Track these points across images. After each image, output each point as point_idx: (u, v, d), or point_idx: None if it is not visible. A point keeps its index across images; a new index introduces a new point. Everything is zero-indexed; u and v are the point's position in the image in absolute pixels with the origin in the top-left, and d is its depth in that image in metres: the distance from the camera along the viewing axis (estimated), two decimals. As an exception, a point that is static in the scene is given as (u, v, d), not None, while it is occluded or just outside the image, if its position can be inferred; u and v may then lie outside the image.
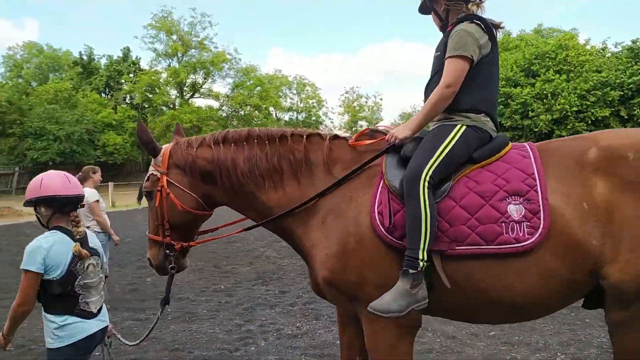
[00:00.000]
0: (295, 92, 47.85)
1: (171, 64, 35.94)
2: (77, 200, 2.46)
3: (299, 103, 47.78)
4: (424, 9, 2.52)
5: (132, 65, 37.17)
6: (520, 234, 2.01)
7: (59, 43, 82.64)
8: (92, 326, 2.40)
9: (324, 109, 48.10)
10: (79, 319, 2.37)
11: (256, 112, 37.74)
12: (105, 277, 2.65)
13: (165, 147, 2.59)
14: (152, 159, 2.59)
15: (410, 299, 2.02)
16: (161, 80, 34.92)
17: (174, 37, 35.20)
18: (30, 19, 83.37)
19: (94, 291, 2.45)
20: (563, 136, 13.29)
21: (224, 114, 37.45)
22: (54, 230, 2.40)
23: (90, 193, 5.89)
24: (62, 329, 2.33)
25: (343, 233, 2.19)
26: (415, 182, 2.07)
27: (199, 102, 38.07)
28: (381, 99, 49.09)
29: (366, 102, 47.42)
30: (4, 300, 6.27)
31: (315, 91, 47.34)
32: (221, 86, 67.30)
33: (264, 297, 6.35)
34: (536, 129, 22.82)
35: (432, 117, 2.29)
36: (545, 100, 23.25)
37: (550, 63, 24.20)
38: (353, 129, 47.70)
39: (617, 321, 2.03)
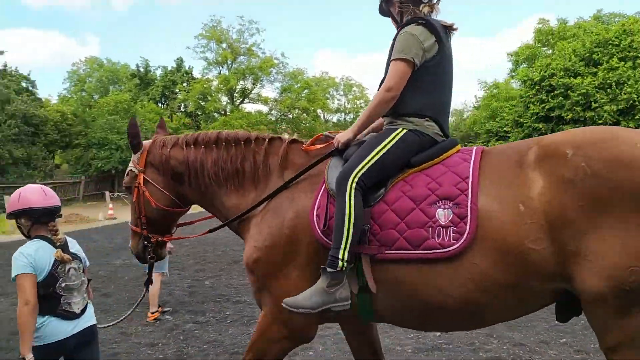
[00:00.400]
0: (342, 93, 47.86)
1: (221, 72, 36.97)
2: (54, 211, 2.60)
3: (346, 104, 47.72)
4: (382, 12, 2.50)
5: (185, 74, 38.54)
6: (446, 239, 1.95)
7: (118, 57, 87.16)
8: (69, 329, 2.51)
9: (372, 109, 47.75)
10: (59, 320, 2.48)
11: (304, 114, 38.05)
12: (89, 280, 2.78)
13: (146, 144, 2.69)
14: (132, 155, 2.72)
15: (327, 297, 2.03)
16: (212, 87, 35.97)
17: (224, 45, 36.19)
18: (91, 34, 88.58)
19: (76, 293, 2.58)
20: (630, 127, 12.37)
21: (273, 118, 38.04)
22: (36, 239, 2.55)
23: None
24: (39, 331, 2.43)
25: (274, 231, 2.26)
26: (344, 183, 2.07)
27: (248, 107, 38.95)
28: (430, 97, 47.83)
29: (415, 101, 46.65)
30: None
31: (362, 91, 47.10)
32: (270, 91, 68.43)
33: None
34: (600, 121, 21.47)
35: (372, 120, 2.29)
36: (609, 90, 21.83)
37: (613, 50, 22.69)
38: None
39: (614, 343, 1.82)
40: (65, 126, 28.33)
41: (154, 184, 2.61)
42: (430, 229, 1.99)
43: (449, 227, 1.96)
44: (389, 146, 2.16)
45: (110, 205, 20.44)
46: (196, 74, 38.99)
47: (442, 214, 1.99)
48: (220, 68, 37.48)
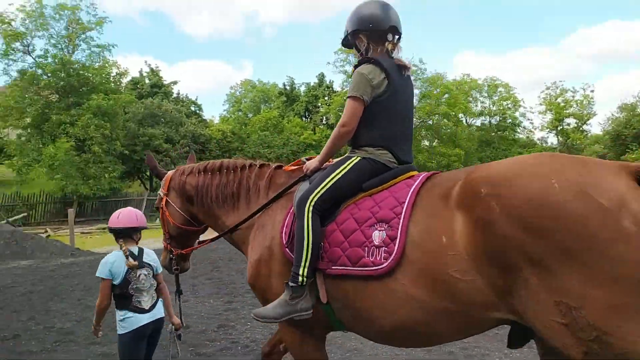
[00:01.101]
0: (486, 95, 45.11)
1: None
2: (140, 229, 3.27)
3: (491, 106, 44.83)
4: (347, 44, 2.68)
5: (326, 89, 40.39)
6: (377, 258, 2.09)
7: (268, 77, 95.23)
8: (143, 319, 3.12)
9: (521, 109, 44.04)
10: (133, 314, 3.10)
11: (445, 120, 36.78)
12: (158, 284, 3.32)
13: (168, 173, 3.16)
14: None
15: (289, 308, 2.25)
16: (352, 99, 37.02)
17: (361, 57, 37.07)
18: (246, 60, 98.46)
19: (145, 293, 3.17)
20: None
21: (413, 125, 37.57)
22: (117, 251, 3.19)
23: None
24: (123, 321, 3.11)
25: (261, 246, 2.54)
26: (302, 206, 2.30)
27: (387, 116, 39.07)
28: (592, 91, 42.28)
29: (573, 97, 41.67)
30: (236, 299, 7.26)
31: (509, 91, 43.81)
32: (408, 98, 67.54)
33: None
34: None
35: (333, 152, 2.55)
36: None
37: None
38: (558, 128, 42.43)
39: None
40: (225, 143, 31.80)
41: (173, 205, 3.06)
42: (366, 248, 2.15)
43: (381, 247, 2.10)
44: (342, 173, 2.38)
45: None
46: (336, 87, 40.54)
47: (377, 235, 2.14)
48: (359, 79, 38.37)
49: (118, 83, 28.83)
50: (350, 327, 2.35)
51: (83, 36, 26.52)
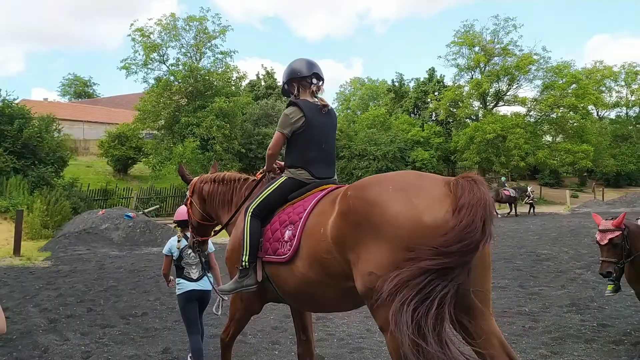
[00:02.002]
0: (623, 83, 40.02)
1: (473, 76, 35.94)
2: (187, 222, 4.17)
3: (629, 96, 39.65)
4: (285, 93, 3.44)
5: (436, 84, 39.12)
6: (285, 250, 2.87)
7: (377, 75, 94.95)
8: (191, 286, 4.26)
9: (668, 98, 38.27)
10: (184, 281, 4.28)
11: (571, 113, 33.34)
12: (206, 260, 4.32)
13: (193, 180, 3.98)
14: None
15: (238, 284, 3.08)
16: (464, 93, 35.34)
17: (476, 49, 35.09)
18: (356, 57, 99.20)
19: (194, 267, 4.30)
20: None
21: (532, 120, 34.66)
22: (176, 236, 4.44)
23: None
24: (179, 285, 4.30)
25: (233, 238, 3.33)
26: (247, 212, 3.12)
27: (503, 109, 36.62)
28: None
29: None
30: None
31: (652, 78, 38.34)
32: (528, 90, 62.72)
33: (578, 329, 5.48)
34: None
35: (269, 169, 3.44)
36: None
37: None
38: None
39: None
40: (333, 141, 32.58)
41: (195, 204, 3.87)
42: (281, 242, 2.92)
43: (288, 242, 2.88)
44: (273, 188, 3.18)
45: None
46: (447, 81, 39.05)
47: (287, 234, 2.91)
48: (473, 73, 36.48)
49: (238, 86, 31.08)
50: (283, 298, 3.16)
51: (209, 44, 29.10)
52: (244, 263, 3.01)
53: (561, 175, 37.39)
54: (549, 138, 37.08)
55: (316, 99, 3.24)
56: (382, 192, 2.39)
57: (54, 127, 23.19)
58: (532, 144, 31.09)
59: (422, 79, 40.59)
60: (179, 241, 4.36)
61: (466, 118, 35.87)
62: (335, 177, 3.34)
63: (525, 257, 10.52)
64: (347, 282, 2.52)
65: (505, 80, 34.92)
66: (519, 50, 34.41)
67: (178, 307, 4.45)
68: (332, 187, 3.06)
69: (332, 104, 62.23)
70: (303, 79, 3.23)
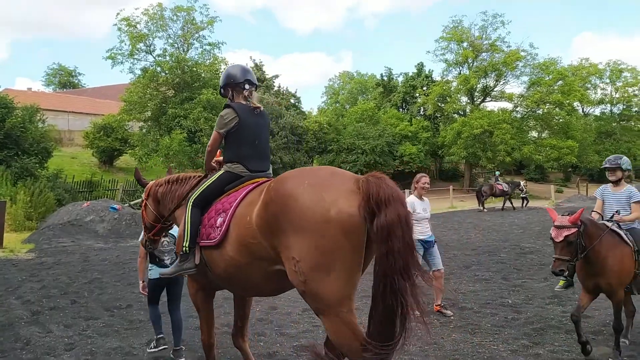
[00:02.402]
0: (608, 81, 40.58)
1: (461, 72, 36.13)
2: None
3: (613, 93, 40.24)
4: (222, 94, 3.74)
5: (425, 78, 39.23)
6: (216, 234, 3.13)
7: (366, 69, 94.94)
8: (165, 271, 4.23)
9: (651, 96, 38.90)
10: (157, 267, 4.48)
11: (557, 109, 33.72)
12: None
13: (150, 184, 4.15)
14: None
15: (178, 268, 3.35)
16: (452, 89, 35.52)
17: (465, 44, 35.27)
18: (345, 51, 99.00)
19: (167, 254, 4.54)
20: None
21: (519, 115, 34.99)
22: None
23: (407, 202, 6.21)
24: (151, 271, 4.58)
25: (180, 227, 3.58)
26: (188, 202, 3.41)
27: (490, 105, 36.92)
28: None
29: None
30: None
31: (636, 76, 38.95)
32: (515, 86, 63.19)
33: (559, 320, 5.58)
34: None
35: (209, 165, 3.71)
36: None
37: None
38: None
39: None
40: (321, 134, 32.50)
41: (149, 207, 4.06)
42: (214, 228, 3.18)
43: (219, 227, 3.14)
44: (212, 180, 3.47)
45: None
46: (436, 76, 39.22)
47: (219, 220, 3.17)
48: (461, 68, 36.68)
49: (225, 78, 30.77)
50: (224, 284, 3.41)
51: (196, 35, 28.73)
52: (184, 248, 3.31)
53: (546, 171, 37.94)
54: (534, 134, 37.51)
55: (249, 102, 3.58)
56: (297, 186, 2.70)
57: (38, 118, 22.78)
58: (518, 140, 31.43)
59: (410, 74, 40.69)
60: None
61: (454, 113, 36.10)
62: (270, 170, 3.67)
63: (509, 251, 10.66)
64: (272, 266, 2.87)
65: (492, 76, 35.19)
66: (507, 47, 34.71)
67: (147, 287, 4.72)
68: (264, 180, 3.38)
69: (321, 97, 61.95)
70: (237, 84, 3.58)
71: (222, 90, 3.70)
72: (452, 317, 5.85)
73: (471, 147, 31.69)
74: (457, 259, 9.82)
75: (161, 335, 4.69)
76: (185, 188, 3.80)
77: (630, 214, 4.63)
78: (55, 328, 5.50)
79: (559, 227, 4.22)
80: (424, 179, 6.22)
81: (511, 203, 21.83)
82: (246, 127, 3.46)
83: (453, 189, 28.69)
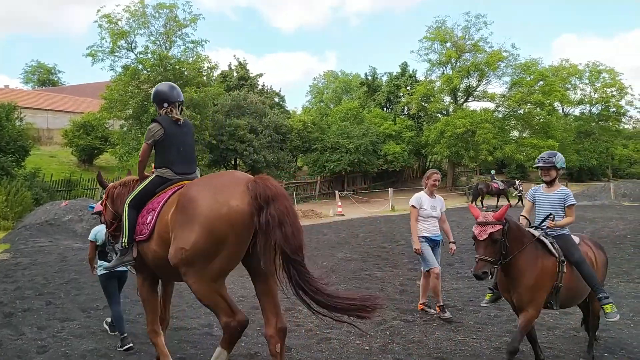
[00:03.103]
0: (587, 81, 41.29)
1: (445, 72, 36.38)
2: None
3: (592, 94, 40.99)
4: (156, 107, 4.25)
5: (409, 78, 39.37)
6: (145, 230, 3.70)
7: (351, 68, 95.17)
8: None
9: (628, 97, 39.76)
10: (107, 263, 4.61)
11: (538, 109, 34.18)
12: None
13: (109, 186, 4.50)
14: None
15: (118, 261, 3.89)
16: (435, 88, 35.72)
17: (448, 44, 35.49)
18: (330, 50, 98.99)
19: (113, 253, 4.49)
20: None
21: (501, 115, 35.38)
22: (102, 225, 4.76)
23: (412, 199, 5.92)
24: (101, 267, 4.91)
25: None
26: (125, 204, 3.94)
27: (473, 105, 37.24)
28: None
29: (693, 82, 36.69)
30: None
31: (614, 78, 39.72)
32: (497, 86, 64.04)
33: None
34: None
35: (141, 176, 4.16)
36: None
37: None
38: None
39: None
40: (305, 133, 32.34)
41: (108, 206, 4.36)
42: (145, 225, 3.72)
43: (148, 224, 3.68)
44: (144, 184, 3.99)
45: (339, 203, 22.36)
46: (419, 76, 39.39)
47: (149, 218, 3.70)
48: (444, 68, 36.90)
49: (209, 76, 30.47)
50: (161, 274, 3.93)
51: (179, 33, 28.29)
52: (123, 244, 3.82)
53: (527, 170, 38.42)
54: (516, 133, 37.94)
55: (173, 115, 4.08)
56: (199, 190, 3.35)
57: (16, 116, 22.20)
58: (499, 139, 31.76)
59: (394, 73, 40.79)
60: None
61: (437, 113, 36.32)
62: (197, 173, 4.22)
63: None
64: None
65: (475, 76, 35.49)
66: (489, 47, 35.02)
67: (100, 284, 5.13)
68: (187, 183, 3.80)
69: (306, 97, 61.87)
70: (162, 100, 4.13)
71: (156, 105, 4.25)
72: (434, 316, 5.83)
73: (454, 146, 31.91)
74: (440, 256, 9.82)
75: (125, 335, 4.81)
76: (129, 190, 4.23)
77: (564, 218, 4.21)
78: (28, 330, 5.32)
79: (482, 224, 3.80)
80: (435, 176, 5.96)
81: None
82: (171, 136, 3.99)
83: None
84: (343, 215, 20.84)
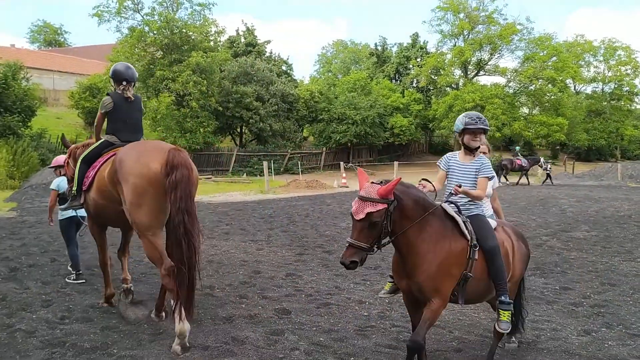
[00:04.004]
0: (601, 59, 40.38)
1: (456, 44, 35.64)
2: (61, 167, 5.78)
3: (606, 72, 40.14)
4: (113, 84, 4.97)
5: (419, 50, 38.63)
6: (87, 182, 4.57)
7: (361, 37, 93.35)
8: (72, 213, 5.53)
9: (643, 75, 38.87)
10: (66, 210, 5.39)
11: (549, 85, 33.57)
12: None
13: (71, 147, 5.33)
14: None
15: (70, 204, 4.81)
16: (446, 61, 35.08)
17: (461, 15, 34.64)
18: (341, 18, 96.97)
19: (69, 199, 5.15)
20: None
21: (511, 91, 34.82)
22: (63, 176, 5.65)
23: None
24: (62, 212, 5.67)
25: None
26: (78, 160, 4.76)
27: (483, 79, 36.66)
28: None
29: None
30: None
31: (630, 55, 38.79)
32: (509, 60, 62.77)
33: (541, 291, 5.63)
34: None
35: (97, 137, 4.94)
36: None
37: None
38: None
39: None
40: (312, 103, 32.01)
41: (70, 164, 5.23)
42: (88, 178, 4.53)
43: (89, 178, 4.52)
44: (95, 146, 4.73)
45: (344, 175, 22.34)
46: (430, 48, 38.63)
47: (91, 173, 4.52)
48: (456, 40, 36.15)
49: (216, 41, 30.01)
50: (109, 223, 4.89)
51: (186, -6, 27.73)
52: (73, 191, 4.75)
53: (534, 148, 38.07)
54: (525, 110, 37.43)
55: (124, 92, 4.73)
56: (128, 154, 4.08)
57: (22, 75, 22.07)
58: (509, 115, 31.35)
59: (405, 44, 40.03)
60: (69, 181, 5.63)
61: (446, 86, 35.77)
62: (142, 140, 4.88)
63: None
64: (120, 206, 4.13)
65: (487, 49, 34.78)
66: (503, 20, 34.19)
67: (60, 229, 5.86)
68: (122, 147, 4.44)
69: (314, 66, 60.82)
70: (117, 79, 4.78)
71: (112, 81, 4.90)
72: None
73: (462, 121, 31.57)
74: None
75: (80, 272, 5.71)
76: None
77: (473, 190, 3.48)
78: (33, 285, 5.41)
79: (363, 199, 3.00)
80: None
81: (527, 178, 21.93)
82: (119, 109, 4.72)
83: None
84: (347, 186, 20.84)
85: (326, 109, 31.73)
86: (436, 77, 34.96)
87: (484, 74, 36.49)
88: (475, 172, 3.50)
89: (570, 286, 5.76)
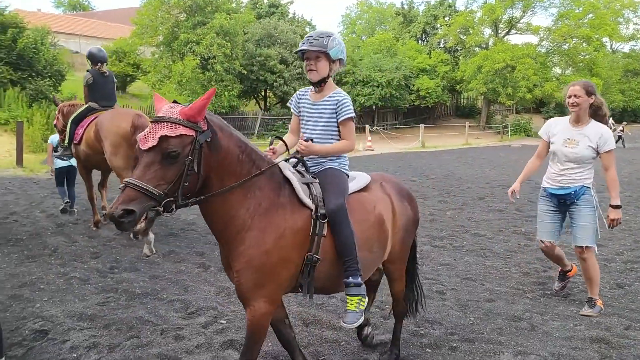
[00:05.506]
0: (642, 15, 38.19)
1: (487, 1, 34.20)
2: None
3: (646, 29, 38.00)
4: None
5: (447, 8, 37.29)
6: (77, 137, 5.97)
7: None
8: (64, 163, 6.88)
9: (686, 33, 36.75)
10: (60, 160, 6.82)
11: (584, 44, 32.13)
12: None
13: (60, 105, 6.60)
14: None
15: (62, 153, 6.49)
16: (475, 19, 33.81)
17: (492, -30, 33.12)
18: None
19: (67, 150, 6.24)
20: None
21: (544, 50, 33.48)
22: (56, 134, 7.01)
23: None
24: (56, 162, 6.89)
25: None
26: (69, 120, 6.13)
27: (514, 39, 35.30)
28: None
29: None
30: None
31: (674, 11, 36.53)
32: (542, 18, 59.95)
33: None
34: None
35: (86, 102, 6.23)
36: None
37: None
38: None
39: None
40: (337, 65, 31.49)
41: (59, 119, 6.46)
42: (77, 134, 5.95)
43: (78, 134, 5.95)
44: (81, 110, 6.09)
45: (369, 138, 22.24)
46: (459, 6, 37.33)
47: (80, 131, 5.90)
48: (487, -3, 34.67)
49: (238, 2, 29.57)
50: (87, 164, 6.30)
51: (207, -47, 27.21)
52: (65, 143, 6.10)
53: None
54: (558, 70, 36.07)
55: (100, 69, 6.15)
56: (105, 117, 5.63)
57: (50, 40, 22.35)
58: (540, 76, 30.28)
59: (433, 3, 38.69)
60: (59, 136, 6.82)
61: (475, 46, 34.63)
62: (115, 105, 6.29)
63: (523, 184, 10.57)
64: (102, 155, 5.47)
65: (519, 6, 33.31)
66: (538, -27, 32.49)
67: (54, 177, 7.07)
68: (102, 112, 5.93)
69: (337, 27, 59.55)
70: (94, 60, 6.18)
71: (90, 61, 6.24)
72: (464, 243, 5.95)
73: (491, 82, 30.68)
74: (472, 190, 9.84)
75: (67, 202, 6.97)
76: (73, 111, 6.22)
77: (333, 143, 2.57)
78: (80, 238, 5.72)
79: (156, 122, 1.97)
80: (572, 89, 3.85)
81: None
82: (97, 83, 6.13)
83: (469, 126, 28.26)
84: (372, 150, 20.80)
85: (350, 71, 31.24)
86: (465, 37, 33.84)
87: (515, 33, 35.12)
88: (331, 114, 2.55)
89: (603, 244, 5.75)
